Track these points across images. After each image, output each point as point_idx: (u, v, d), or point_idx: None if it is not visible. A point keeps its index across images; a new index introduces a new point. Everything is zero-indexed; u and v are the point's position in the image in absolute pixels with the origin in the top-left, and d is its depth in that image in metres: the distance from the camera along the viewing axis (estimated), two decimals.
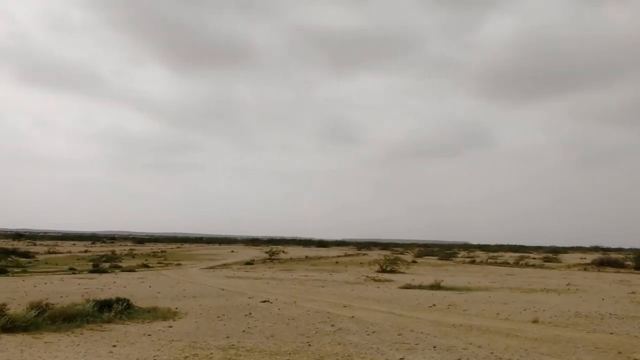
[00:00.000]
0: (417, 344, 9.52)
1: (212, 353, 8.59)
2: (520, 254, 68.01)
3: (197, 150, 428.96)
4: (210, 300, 16.02)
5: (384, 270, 33.05)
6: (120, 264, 37.54)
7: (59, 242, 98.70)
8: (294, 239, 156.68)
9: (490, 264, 48.76)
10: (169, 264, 41.72)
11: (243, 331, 10.67)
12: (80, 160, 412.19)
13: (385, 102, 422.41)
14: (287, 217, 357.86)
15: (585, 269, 39.44)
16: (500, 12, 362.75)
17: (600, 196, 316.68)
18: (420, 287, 21.90)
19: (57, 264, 36.58)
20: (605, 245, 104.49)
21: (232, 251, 77.59)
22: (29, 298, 13.53)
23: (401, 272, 32.67)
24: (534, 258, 57.80)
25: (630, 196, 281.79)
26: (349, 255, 67.80)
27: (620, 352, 9.12)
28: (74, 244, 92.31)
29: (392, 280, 25.97)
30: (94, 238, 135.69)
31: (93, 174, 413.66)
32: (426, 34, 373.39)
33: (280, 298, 16.85)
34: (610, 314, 14.17)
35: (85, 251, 62.12)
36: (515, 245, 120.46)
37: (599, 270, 37.58)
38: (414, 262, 46.92)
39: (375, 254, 61.54)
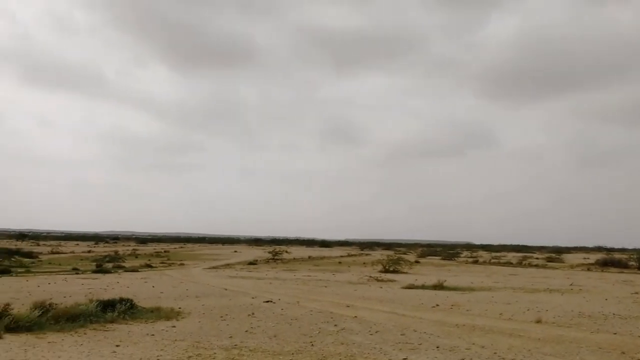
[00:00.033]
0: (420, 344, 9.51)
1: (215, 353, 8.60)
2: (523, 254, 67.90)
3: (199, 150, 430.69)
4: (213, 300, 16.03)
5: (386, 271, 33.00)
6: (123, 264, 37.59)
7: (62, 243, 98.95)
8: (297, 239, 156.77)
9: (493, 264, 48.67)
10: (172, 264, 41.76)
11: (246, 331, 10.67)
12: (83, 161, 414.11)
13: (386, 102, 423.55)
14: (289, 217, 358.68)
15: (588, 269, 39.34)
16: (501, 12, 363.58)
17: (602, 196, 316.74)
18: (423, 287, 21.88)
19: (60, 264, 36.65)
20: (608, 245, 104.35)
21: (235, 251, 77.62)
22: (32, 298, 13.58)
23: (404, 272, 32.63)
24: (537, 258, 57.68)
25: (631, 196, 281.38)
26: (351, 255, 67.81)
27: (623, 353, 9.10)
28: (77, 244, 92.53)
29: (395, 281, 25.95)
30: (97, 238, 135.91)
31: (95, 174, 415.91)
32: (427, 34, 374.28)
33: (283, 298, 16.85)
34: (614, 314, 14.14)
35: (89, 251, 62.25)
36: (518, 245, 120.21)
37: (602, 271, 37.48)
38: (416, 262, 46.91)
39: (378, 254, 61.51)
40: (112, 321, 11.26)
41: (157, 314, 12.51)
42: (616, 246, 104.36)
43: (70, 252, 58.46)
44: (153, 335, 10.08)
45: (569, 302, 16.75)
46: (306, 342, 9.57)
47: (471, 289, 21.50)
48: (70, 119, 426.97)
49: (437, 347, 9.24)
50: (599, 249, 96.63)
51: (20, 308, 11.19)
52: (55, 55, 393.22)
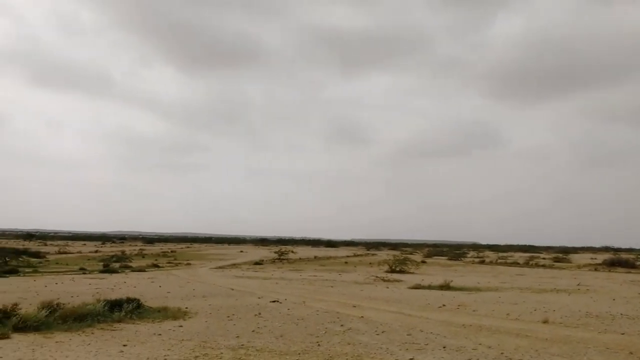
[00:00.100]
0: (427, 344, 9.50)
1: (222, 353, 8.62)
2: (530, 254, 67.58)
3: (205, 150, 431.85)
4: (220, 300, 16.07)
5: (393, 271, 32.97)
6: (130, 264, 37.75)
7: (70, 243, 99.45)
8: (303, 239, 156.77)
9: (500, 264, 48.51)
10: (179, 263, 41.91)
11: (253, 331, 10.69)
12: (89, 161, 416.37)
13: (392, 102, 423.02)
14: (295, 217, 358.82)
15: (595, 269, 39.15)
16: (507, 11, 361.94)
17: (609, 196, 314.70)
18: (429, 287, 21.84)
19: (67, 264, 36.86)
20: (615, 245, 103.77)
21: (241, 251, 77.77)
22: (40, 298, 13.65)
23: (410, 273, 32.59)
24: (544, 258, 57.44)
25: (638, 196, 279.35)
26: (358, 255, 67.76)
27: (631, 353, 9.05)
28: (84, 244, 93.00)
29: (401, 281, 25.91)
30: (104, 238, 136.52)
31: (101, 174, 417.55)
32: (433, 34, 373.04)
33: (290, 298, 16.87)
34: (622, 314, 14.06)
35: (96, 251, 62.56)
36: (525, 245, 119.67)
37: (609, 271, 37.28)
38: (423, 262, 46.79)
39: (384, 254, 61.45)
40: (119, 321, 11.31)
41: (164, 313, 12.56)
42: (623, 246, 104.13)
43: (78, 252, 58.77)
44: (160, 334, 10.12)
45: (576, 303, 16.68)
46: (313, 342, 9.57)
47: (478, 289, 21.44)
48: (76, 120, 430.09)
49: (444, 348, 9.22)
50: (606, 249, 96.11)
51: (28, 308, 11.24)
52: (61, 56, 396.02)
